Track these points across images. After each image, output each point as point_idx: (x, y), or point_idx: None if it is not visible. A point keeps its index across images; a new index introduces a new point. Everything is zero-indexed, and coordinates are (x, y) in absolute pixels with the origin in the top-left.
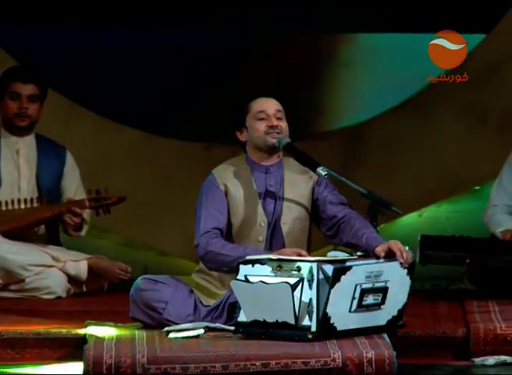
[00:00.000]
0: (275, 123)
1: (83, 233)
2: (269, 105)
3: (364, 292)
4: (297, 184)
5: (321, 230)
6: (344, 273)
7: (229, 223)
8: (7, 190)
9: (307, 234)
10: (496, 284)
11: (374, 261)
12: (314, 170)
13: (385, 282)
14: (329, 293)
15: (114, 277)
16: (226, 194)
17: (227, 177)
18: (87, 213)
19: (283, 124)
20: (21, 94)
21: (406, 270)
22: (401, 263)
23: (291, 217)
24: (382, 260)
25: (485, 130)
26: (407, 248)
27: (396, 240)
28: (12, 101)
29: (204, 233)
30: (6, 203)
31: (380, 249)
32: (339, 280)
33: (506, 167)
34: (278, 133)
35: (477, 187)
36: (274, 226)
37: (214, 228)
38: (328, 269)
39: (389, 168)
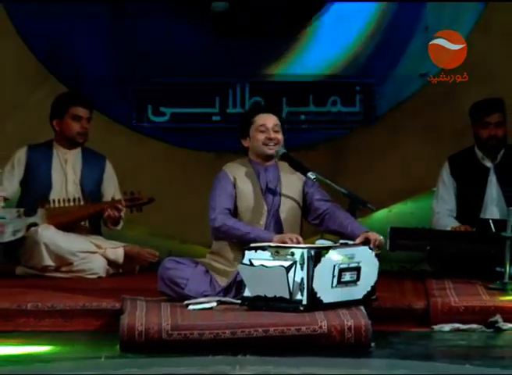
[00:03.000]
0: (273, 135)
1: (119, 227)
2: (269, 120)
3: (342, 271)
4: (291, 183)
5: (308, 221)
6: (324, 255)
7: (236, 210)
8: (57, 191)
9: (300, 221)
10: (450, 267)
11: (347, 246)
12: (305, 174)
13: (358, 262)
14: (313, 271)
15: (144, 260)
16: (235, 185)
17: (235, 172)
18: (123, 211)
19: (279, 136)
20: (82, 116)
21: (373, 253)
22: (370, 247)
23: (287, 207)
24: (354, 244)
25: (441, 144)
26: (381, 237)
27: (374, 231)
28: (74, 122)
29: (221, 210)
30: (59, 201)
31: (359, 240)
32: (319, 261)
33: (440, 181)
34: (275, 144)
35: (434, 189)
36: (273, 214)
37: (227, 208)
38: (314, 253)
39: (364, 172)
